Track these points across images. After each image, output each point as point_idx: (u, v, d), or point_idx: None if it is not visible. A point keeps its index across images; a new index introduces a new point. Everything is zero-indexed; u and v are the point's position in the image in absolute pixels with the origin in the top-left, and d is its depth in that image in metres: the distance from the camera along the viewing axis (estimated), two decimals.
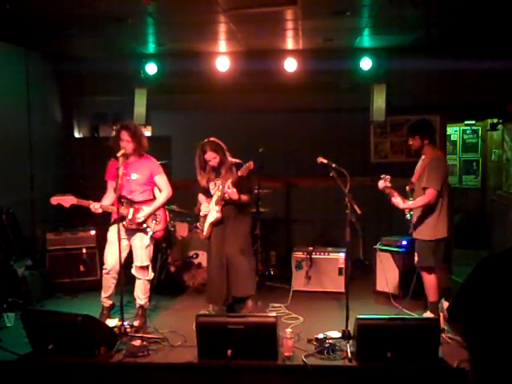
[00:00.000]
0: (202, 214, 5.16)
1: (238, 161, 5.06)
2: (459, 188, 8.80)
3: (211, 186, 5.12)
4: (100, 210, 4.83)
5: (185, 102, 7.64)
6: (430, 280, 4.90)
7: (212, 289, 5.16)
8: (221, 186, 5.00)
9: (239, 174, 4.81)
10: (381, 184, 4.81)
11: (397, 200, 4.82)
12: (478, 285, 2.37)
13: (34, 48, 6.78)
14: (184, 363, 4.11)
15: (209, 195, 5.16)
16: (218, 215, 5.02)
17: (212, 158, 4.98)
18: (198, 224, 5.32)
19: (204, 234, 5.17)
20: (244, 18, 5.43)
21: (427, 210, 4.81)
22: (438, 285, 4.92)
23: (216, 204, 5.04)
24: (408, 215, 4.94)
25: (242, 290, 5.09)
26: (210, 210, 5.08)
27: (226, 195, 4.93)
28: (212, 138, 5.05)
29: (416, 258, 4.94)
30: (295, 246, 6.44)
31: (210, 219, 5.08)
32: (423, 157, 4.96)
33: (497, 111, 7.35)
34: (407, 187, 4.98)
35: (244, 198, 5.02)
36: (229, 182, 4.87)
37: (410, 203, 4.85)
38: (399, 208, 4.87)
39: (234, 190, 4.88)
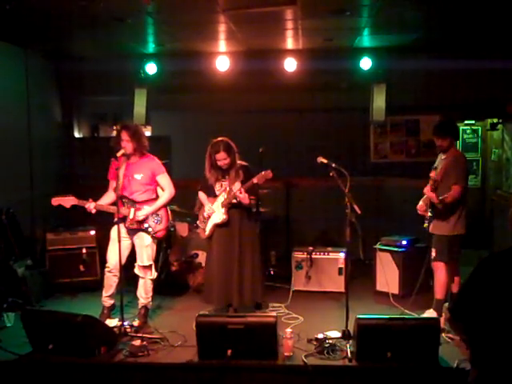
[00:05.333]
0: (205, 214, 5.09)
1: (244, 163, 5.02)
2: None
3: (217, 186, 5.05)
4: (94, 211, 4.81)
5: (185, 101, 7.64)
6: (441, 276, 4.91)
7: (214, 289, 5.04)
8: (228, 188, 4.96)
9: (255, 180, 4.76)
10: (434, 174, 4.81)
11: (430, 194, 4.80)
12: (480, 284, 2.38)
13: (34, 48, 6.77)
14: (184, 363, 4.11)
15: (211, 194, 5.10)
16: (225, 217, 4.96)
17: (222, 158, 4.88)
18: (198, 223, 5.24)
19: (206, 233, 5.12)
20: (244, 18, 5.43)
21: (451, 206, 4.81)
22: (447, 283, 4.93)
23: (222, 206, 4.97)
24: (429, 213, 4.93)
25: (251, 297, 5.05)
26: (215, 212, 5.02)
27: (236, 199, 4.89)
28: (225, 138, 4.94)
29: (433, 254, 4.92)
30: (295, 245, 6.42)
31: (216, 220, 5.01)
32: (444, 156, 4.97)
33: (497, 111, 7.34)
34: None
35: (253, 202, 5.04)
36: (240, 187, 4.83)
37: (442, 196, 4.78)
38: (435, 202, 4.77)
39: (246, 195, 4.86)
